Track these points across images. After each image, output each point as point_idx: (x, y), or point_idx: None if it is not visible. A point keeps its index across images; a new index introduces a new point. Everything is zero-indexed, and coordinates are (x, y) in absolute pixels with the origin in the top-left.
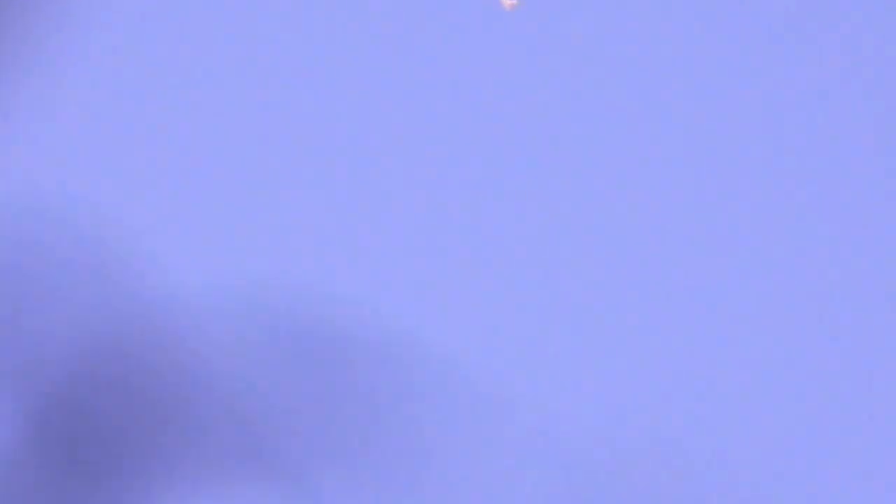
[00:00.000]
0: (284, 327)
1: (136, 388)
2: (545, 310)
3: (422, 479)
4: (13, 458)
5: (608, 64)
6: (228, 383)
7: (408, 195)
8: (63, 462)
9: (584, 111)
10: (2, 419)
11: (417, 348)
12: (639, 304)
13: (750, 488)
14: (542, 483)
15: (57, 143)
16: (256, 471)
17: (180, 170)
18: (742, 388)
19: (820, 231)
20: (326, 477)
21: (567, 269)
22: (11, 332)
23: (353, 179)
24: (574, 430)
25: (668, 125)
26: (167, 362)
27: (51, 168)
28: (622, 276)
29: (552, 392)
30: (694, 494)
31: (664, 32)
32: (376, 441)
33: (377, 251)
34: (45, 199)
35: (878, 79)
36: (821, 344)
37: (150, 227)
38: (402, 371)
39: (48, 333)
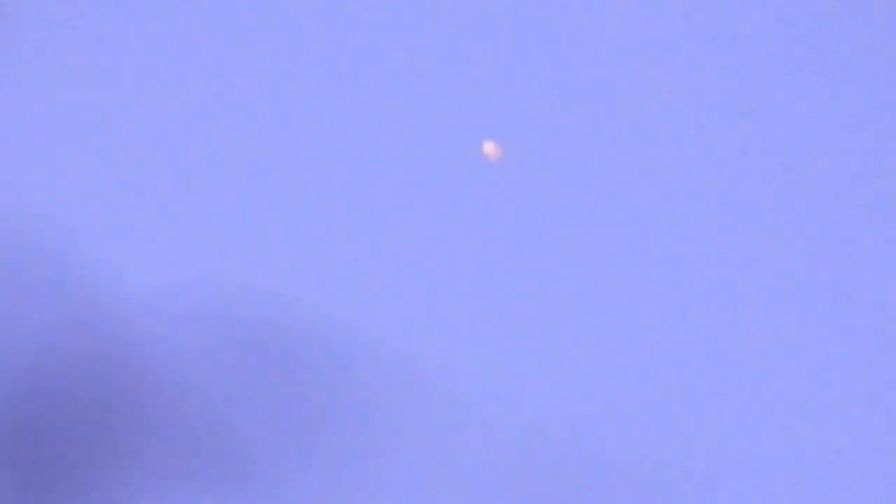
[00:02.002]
0: (245, 329)
1: (98, 394)
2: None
3: (382, 481)
4: None
5: (607, 67)
6: (194, 387)
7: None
8: (32, 470)
9: (581, 114)
10: None
11: (392, 352)
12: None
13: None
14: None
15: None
16: (228, 474)
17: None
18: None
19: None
20: (302, 482)
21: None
22: None
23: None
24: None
25: (661, 130)
26: (130, 366)
27: None
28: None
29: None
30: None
31: (664, 33)
32: (347, 446)
33: (348, 256)
34: None
35: (879, 79)
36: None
37: (106, 232)
38: (376, 376)
39: (6, 342)
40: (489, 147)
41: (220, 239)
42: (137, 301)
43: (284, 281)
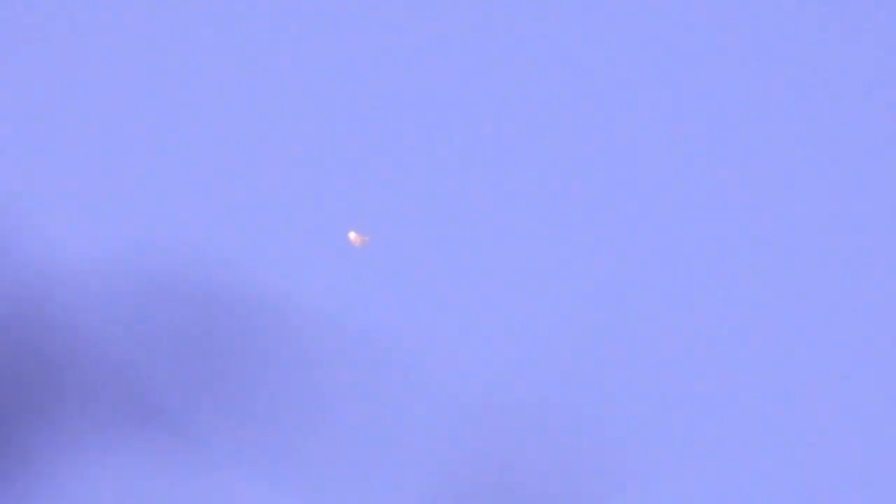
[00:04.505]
0: (170, 293)
1: (24, 362)
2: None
3: (310, 436)
4: None
5: (607, 66)
6: (116, 353)
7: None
8: None
9: (582, 115)
10: None
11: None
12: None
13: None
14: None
15: None
16: (146, 433)
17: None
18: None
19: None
20: (216, 436)
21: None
22: None
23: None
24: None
25: (664, 128)
26: (54, 334)
27: None
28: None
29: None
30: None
31: (664, 33)
32: (266, 398)
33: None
34: None
35: (878, 79)
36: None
37: (39, 201)
38: (298, 336)
39: None
40: (353, 236)
41: (157, 206)
42: (67, 268)
43: (223, 252)
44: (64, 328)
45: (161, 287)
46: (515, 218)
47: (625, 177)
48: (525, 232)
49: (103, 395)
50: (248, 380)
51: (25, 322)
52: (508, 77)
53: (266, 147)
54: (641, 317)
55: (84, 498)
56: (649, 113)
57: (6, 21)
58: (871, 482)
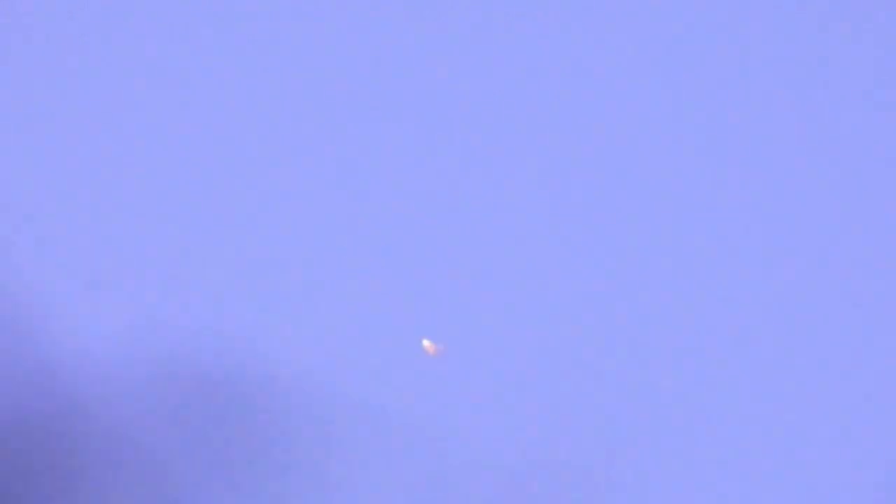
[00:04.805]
0: (178, 369)
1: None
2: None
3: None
4: None
5: (609, 65)
6: (127, 427)
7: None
8: None
9: (584, 113)
10: None
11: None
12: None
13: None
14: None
15: None
16: None
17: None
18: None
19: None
20: None
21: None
22: None
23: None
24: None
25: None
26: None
27: None
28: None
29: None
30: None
31: (664, 33)
32: (273, 475)
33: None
34: None
35: (878, 79)
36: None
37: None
38: (301, 407)
39: None
40: (428, 345)
41: (171, 283)
42: (84, 343)
43: (231, 324)
44: (76, 415)
45: (170, 368)
46: (515, 225)
47: (626, 197)
48: (524, 247)
49: (115, 482)
50: (260, 460)
51: (36, 407)
52: (501, 83)
53: (273, 220)
54: (641, 334)
55: None
56: (648, 114)
57: (6, 21)
58: (870, 482)
